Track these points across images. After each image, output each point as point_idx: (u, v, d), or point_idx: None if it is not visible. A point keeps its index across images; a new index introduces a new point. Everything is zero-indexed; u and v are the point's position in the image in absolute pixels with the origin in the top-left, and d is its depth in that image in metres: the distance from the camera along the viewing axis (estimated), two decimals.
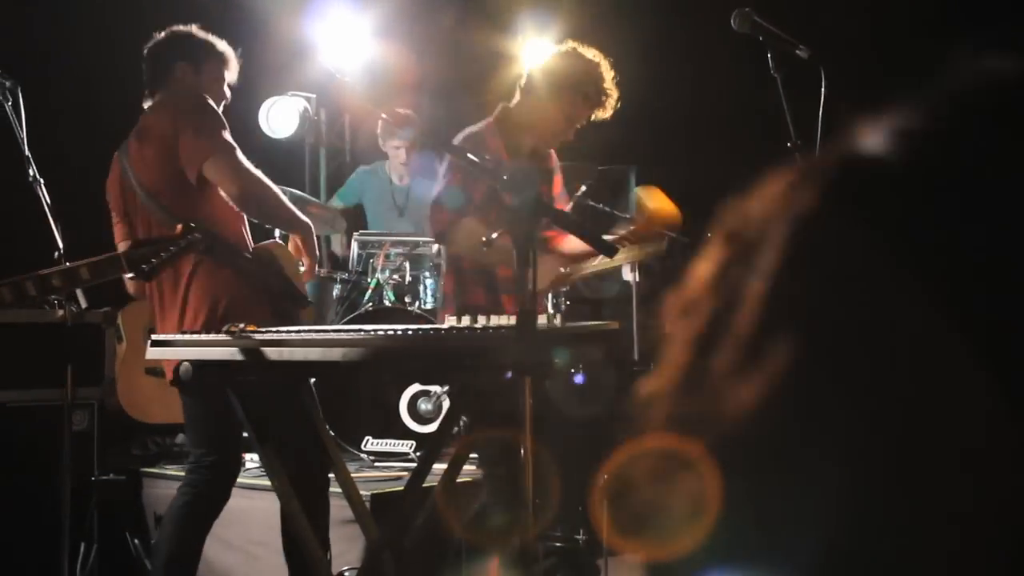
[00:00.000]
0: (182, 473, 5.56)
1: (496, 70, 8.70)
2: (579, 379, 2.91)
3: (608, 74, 4.30)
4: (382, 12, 7.89)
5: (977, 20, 8.78)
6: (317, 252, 4.00)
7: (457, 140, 4.36)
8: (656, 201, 4.31)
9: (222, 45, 4.21)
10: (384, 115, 5.77)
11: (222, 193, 3.83)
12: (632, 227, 4.32)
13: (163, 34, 4.19)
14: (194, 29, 4.19)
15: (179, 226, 3.20)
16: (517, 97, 4.43)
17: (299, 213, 4.05)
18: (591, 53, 4.34)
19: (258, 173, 3.91)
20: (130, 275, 3.23)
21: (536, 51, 8.50)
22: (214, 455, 3.90)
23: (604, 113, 4.32)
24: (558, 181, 4.64)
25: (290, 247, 4.05)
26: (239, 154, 3.86)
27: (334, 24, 7.55)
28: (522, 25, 8.56)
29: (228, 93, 4.21)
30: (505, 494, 3.69)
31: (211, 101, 3.97)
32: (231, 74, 4.22)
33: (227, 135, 3.89)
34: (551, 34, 8.53)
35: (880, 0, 8.59)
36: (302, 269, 4.00)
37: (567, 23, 8.48)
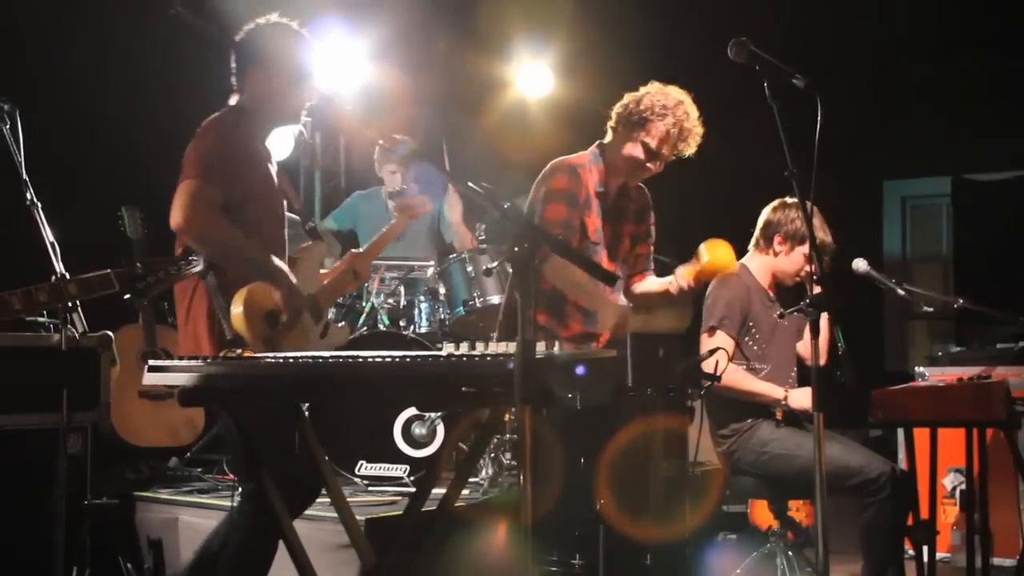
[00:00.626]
0: (175, 497, 5.56)
1: (490, 94, 8.74)
2: (581, 370, 2.91)
3: (689, 110, 4.45)
4: (377, 36, 7.91)
5: (973, 46, 8.85)
6: (294, 301, 3.76)
7: (551, 165, 4.53)
8: (714, 254, 4.38)
9: (303, 42, 3.95)
10: (380, 139, 5.80)
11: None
12: (686, 275, 4.44)
13: (243, 31, 3.95)
14: (283, 23, 3.93)
15: (179, 248, 3.18)
16: (608, 135, 4.60)
17: (272, 260, 3.69)
18: (673, 91, 4.50)
19: (214, 216, 3.61)
20: (126, 296, 3.17)
21: (532, 80, 8.56)
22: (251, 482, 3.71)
23: (688, 148, 4.48)
24: (647, 221, 4.79)
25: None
26: (204, 188, 3.60)
27: (329, 48, 7.56)
28: (516, 50, 8.59)
29: (309, 95, 3.96)
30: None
31: (221, 128, 3.79)
32: (310, 86, 3.95)
33: (205, 165, 3.65)
34: (545, 59, 8.57)
35: (877, 26, 8.64)
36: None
37: (561, 48, 8.52)
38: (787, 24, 7.80)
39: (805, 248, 4.87)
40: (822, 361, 3.72)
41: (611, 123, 4.56)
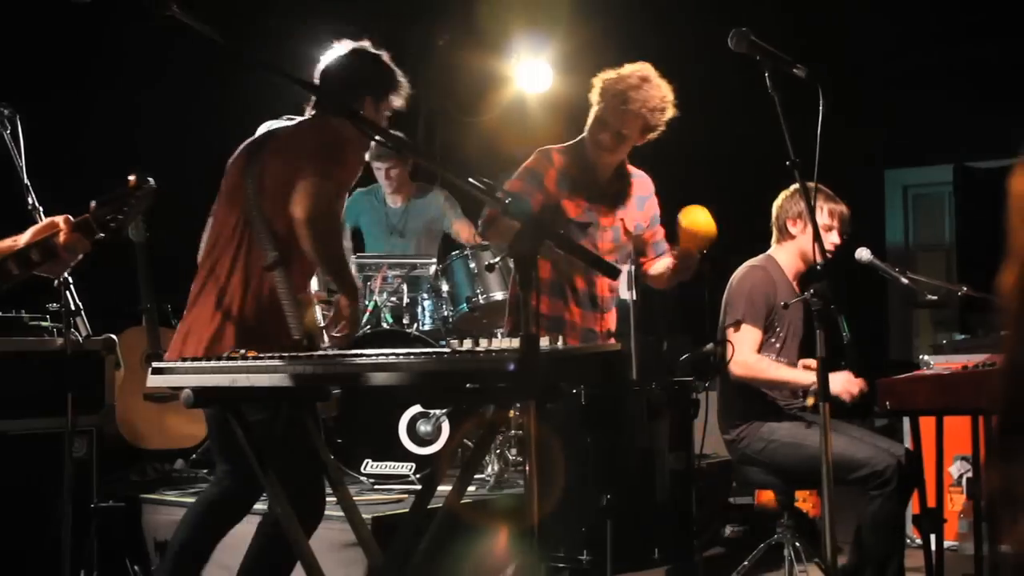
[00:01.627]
0: (181, 499, 5.56)
1: (489, 91, 8.74)
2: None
3: (649, 88, 4.50)
4: (375, 34, 7.90)
5: (974, 33, 8.84)
6: (359, 321, 3.91)
7: (538, 152, 4.65)
8: (689, 219, 4.41)
9: (400, 82, 4.09)
10: (376, 137, 5.79)
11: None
12: (674, 250, 4.55)
13: (359, 55, 4.11)
14: (383, 54, 4.07)
15: (132, 177, 3.15)
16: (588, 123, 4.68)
17: (353, 276, 3.97)
18: (634, 69, 4.56)
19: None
20: (101, 235, 3.13)
21: (532, 77, 8.56)
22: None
23: (657, 122, 4.54)
24: (650, 208, 4.84)
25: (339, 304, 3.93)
26: (332, 189, 3.76)
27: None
28: (516, 46, 8.59)
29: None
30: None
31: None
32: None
33: (340, 173, 3.82)
34: (544, 55, 8.57)
35: (878, 14, 8.63)
36: (320, 322, 3.99)
37: (560, 44, 8.52)
38: (788, 14, 7.80)
39: (820, 219, 4.87)
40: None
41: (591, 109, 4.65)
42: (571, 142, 4.71)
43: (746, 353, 4.76)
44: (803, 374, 4.78)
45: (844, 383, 4.68)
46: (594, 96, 4.58)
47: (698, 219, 4.47)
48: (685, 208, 4.49)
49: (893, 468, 4.54)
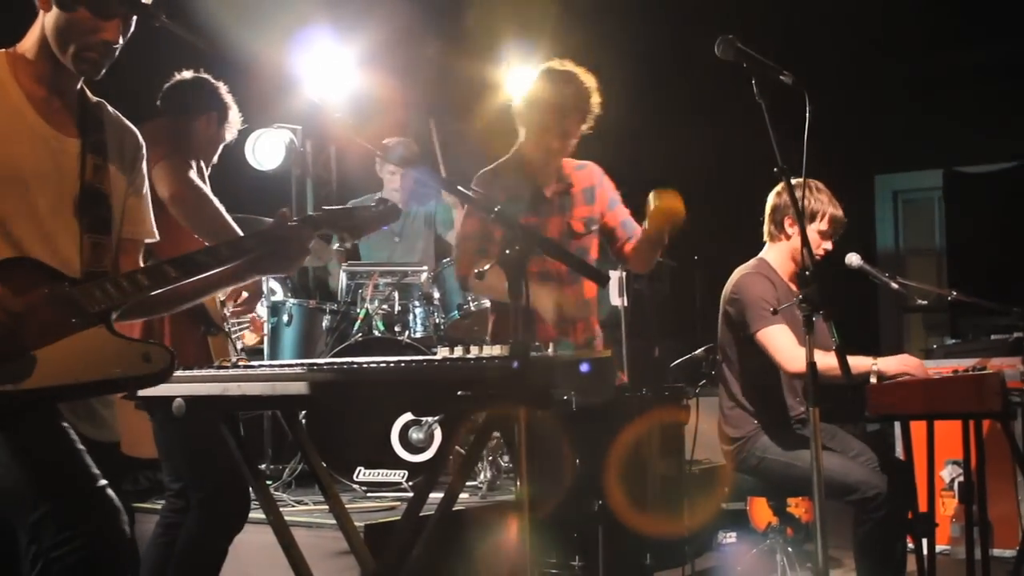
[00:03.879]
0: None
1: (481, 97, 8.75)
2: (585, 368, 2.89)
3: (571, 78, 4.50)
4: (366, 43, 7.92)
5: (963, 38, 8.87)
6: (260, 289, 4.06)
7: (478, 177, 4.59)
8: (662, 200, 4.38)
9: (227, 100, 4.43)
10: (370, 145, 5.81)
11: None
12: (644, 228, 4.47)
13: (190, 77, 4.41)
14: (220, 85, 4.40)
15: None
16: (520, 134, 4.65)
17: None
18: (550, 66, 4.59)
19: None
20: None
21: (520, 79, 8.58)
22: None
23: (592, 110, 4.51)
24: (603, 195, 4.75)
25: None
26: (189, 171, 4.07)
27: (318, 55, 7.57)
28: (506, 53, 8.60)
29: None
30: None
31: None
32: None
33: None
34: (535, 61, 8.58)
35: (866, 20, 8.66)
36: (220, 297, 4.11)
37: (549, 51, 8.53)
38: (776, 20, 7.82)
39: (817, 225, 4.84)
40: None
41: (517, 120, 4.63)
42: (501, 161, 4.65)
43: (792, 349, 4.65)
44: (860, 359, 4.54)
45: (893, 365, 4.58)
46: (525, 108, 4.58)
47: (667, 200, 4.41)
48: (661, 191, 4.44)
49: (884, 496, 4.49)
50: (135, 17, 2.81)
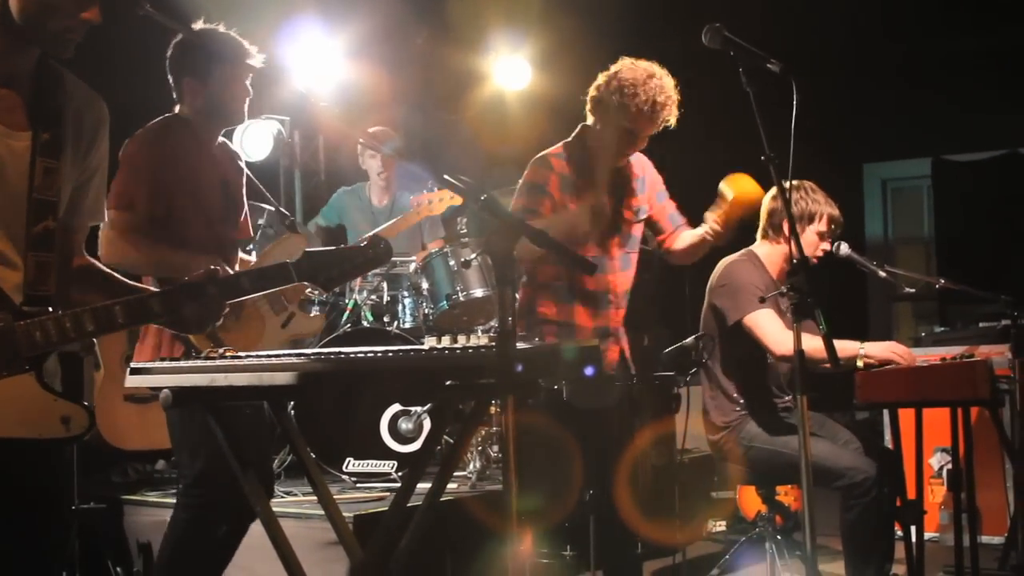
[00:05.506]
0: (163, 500, 5.56)
1: (469, 87, 8.74)
2: (590, 371, 2.88)
3: (660, 82, 4.39)
4: (354, 33, 7.90)
5: (950, 26, 8.87)
6: None
7: (540, 158, 4.53)
8: (738, 187, 4.36)
9: (229, 44, 4.06)
10: (359, 137, 5.81)
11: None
12: (717, 217, 4.44)
13: (171, 46, 4.11)
14: (197, 34, 3.94)
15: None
16: (589, 119, 4.56)
17: (196, 261, 3.71)
18: (642, 65, 4.43)
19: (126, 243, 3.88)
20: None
21: (510, 73, 8.57)
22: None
23: (668, 119, 4.43)
24: (652, 186, 4.72)
25: None
26: (118, 218, 3.86)
27: (306, 46, 7.55)
28: (493, 43, 8.59)
29: (249, 89, 4.14)
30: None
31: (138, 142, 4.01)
32: (248, 66, 4.11)
33: (118, 191, 3.90)
34: (522, 52, 8.57)
35: (853, 7, 8.65)
36: None
37: (538, 41, 8.52)
38: (764, 8, 7.81)
39: (816, 226, 4.84)
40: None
41: (588, 107, 4.54)
42: (565, 142, 4.60)
43: (780, 332, 4.64)
44: (847, 344, 4.57)
45: (880, 350, 4.59)
46: (609, 102, 4.43)
47: (746, 187, 4.38)
48: (730, 177, 4.41)
49: (872, 480, 4.49)
50: None
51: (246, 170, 4.34)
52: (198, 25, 4.00)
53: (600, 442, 4.47)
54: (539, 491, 4.00)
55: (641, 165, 4.72)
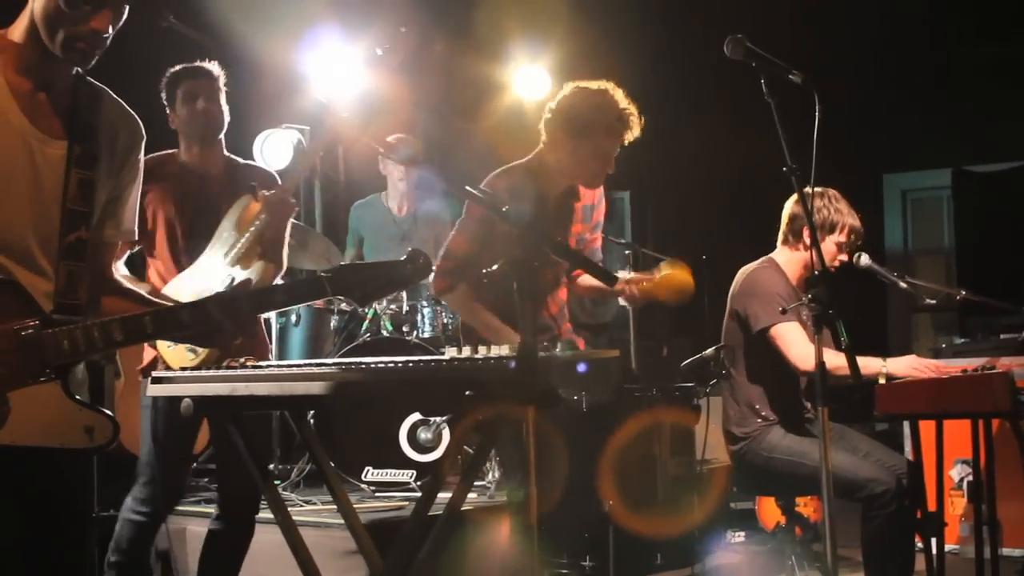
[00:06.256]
0: (183, 508, 5.55)
1: (488, 96, 8.75)
2: (582, 368, 2.89)
3: (621, 100, 4.28)
4: (373, 42, 7.91)
5: (972, 36, 8.85)
6: None
7: (488, 178, 4.36)
8: (674, 273, 4.27)
9: (184, 70, 4.27)
10: (378, 146, 5.81)
11: None
12: (644, 282, 4.25)
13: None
14: (171, 71, 4.26)
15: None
16: (544, 140, 4.43)
17: None
18: (595, 86, 4.32)
19: None
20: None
21: (530, 83, 8.58)
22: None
23: (632, 134, 4.31)
24: (596, 216, 4.59)
25: None
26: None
27: (326, 55, 7.57)
28: (513, 52, 8.60)
29: (219, 108, 4.30)
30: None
31: None
32: (210, 89, 4.29)
33: None
34: (542, 61, 8.58)
35: (876, 19, 8.64)
36: None
37: (558, 51, 8.53)
38: (787, 20, 7.81)
39: (836, 237, 4.82)
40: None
41: (545, 131, 4.41)
42: (515, 164, 4.45)
43: (805, 346, 4.59)
44: (871, 360, 4.54)
45: (911, 364, 4.57)
46: (573, 127, 4.30)
47: (680, 276, 4.24)
48: (672, 260, 4.32)
49: (892, 492, 4.46)
50: (127, 7, 2.61)
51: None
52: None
53: (618, 453, 4.46)
54: (554, 498, 3.99)
55: (592, 193, 4.55)
